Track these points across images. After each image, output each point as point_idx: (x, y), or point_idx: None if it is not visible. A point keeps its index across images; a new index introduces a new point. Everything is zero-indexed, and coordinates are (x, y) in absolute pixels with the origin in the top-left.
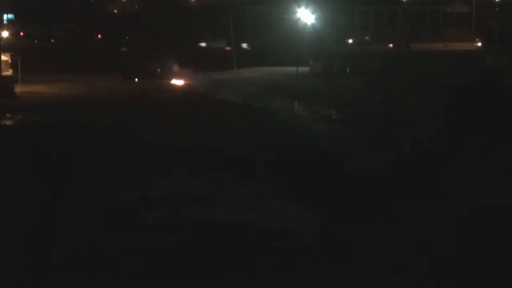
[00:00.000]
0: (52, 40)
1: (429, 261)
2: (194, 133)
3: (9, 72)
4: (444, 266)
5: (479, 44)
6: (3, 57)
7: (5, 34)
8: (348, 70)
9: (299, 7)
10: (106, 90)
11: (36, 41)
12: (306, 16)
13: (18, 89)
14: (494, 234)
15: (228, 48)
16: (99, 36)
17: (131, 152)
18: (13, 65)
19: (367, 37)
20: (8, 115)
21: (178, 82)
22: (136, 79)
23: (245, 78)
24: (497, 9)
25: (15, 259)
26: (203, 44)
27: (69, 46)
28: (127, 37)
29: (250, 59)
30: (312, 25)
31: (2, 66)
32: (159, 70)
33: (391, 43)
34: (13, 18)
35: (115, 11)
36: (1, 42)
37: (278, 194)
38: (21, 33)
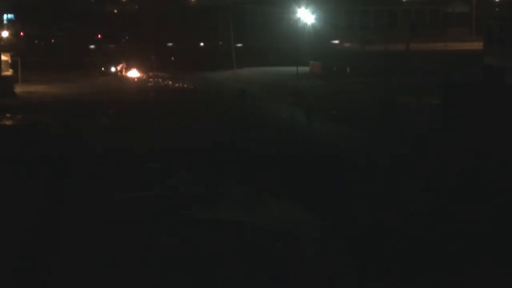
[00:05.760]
0: (52, 40)
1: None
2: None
3: (9, 72)
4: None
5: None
6: (3, 57)
7: (5, 34)
8: (348, 70)
9: (299, 7)
10: (105, 89)
11: (36, 41)
12: (306, 16)
13: (18, 89)
14: None
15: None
16: (99, 36)
17: (131, 152)
18: (13, 65)
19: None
20: (8, 115)
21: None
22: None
23: (244, 78)
24: (497, 9)
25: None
26: None
27: (69, 46)
28: (127, 37)
29: (250, 59)
30: (312, 25)
31: (2, 66)
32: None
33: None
34: (13, 18)
35: (115, 11)
36: (1, 42)
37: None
38: (21, 33)
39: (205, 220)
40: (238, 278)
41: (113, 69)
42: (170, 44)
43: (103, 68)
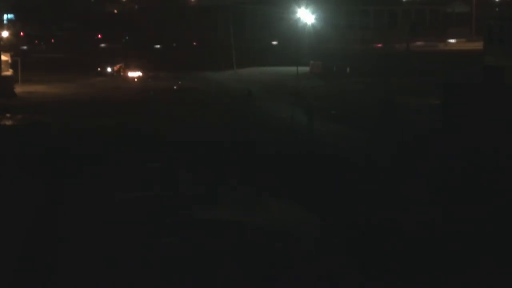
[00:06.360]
0: (52, 40)
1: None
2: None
3: (9, 72)
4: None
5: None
6: (3, 57)
7: (5, 34)
8: (348, 70)
9: (299, 7)
10: (105, 89)
11: (36, 41)
12: (306, 16)
13: (18, 89)
14: None
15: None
16: (99, 36)
17: (131, 151)
18: (13, 65)
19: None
20: (8, 115)
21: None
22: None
23: (244, 78)
24: (497, 9)
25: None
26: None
27: (68, 46)
28: (127, 37)
29: (250, 59)
30: (312, 25)
31: (2, 66)
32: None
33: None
34: (13, 18)
35: (115, 11)
36: (1, 42)
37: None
38: (21, 33)
39: (205, 220)
40: (238, 278)
41: (109, 69)
42: (170, 44)
43: (99, 69)
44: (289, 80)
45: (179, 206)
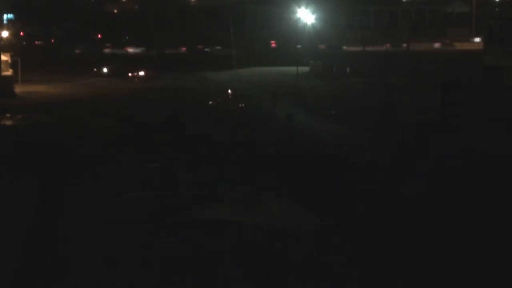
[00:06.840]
0: (52, 40)
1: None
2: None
3: (9, 72)
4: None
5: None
6: (3, 57)
7: (5, 34)
8: (348, 70)
9: (299, 7)
10: (105, 90)
11: (36, 42)
12: (306, 16)
13: (18, 89)
14: None
15: None
16: (99, 36)
17: (131, 151)
18: (13, 65)
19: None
20: (8, 115)
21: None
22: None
23: (244, 78)
24: (497, 9)
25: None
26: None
27: (68, 46)
28: (127, 37)
29: (250, 59)
30: (312, 25)
31: (2, 66)
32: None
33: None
34: (13, 18)
35: (115, 11)
36: (1, 42)
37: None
38: (21, 33)
39: (205, 220)
40: (238, 278)
41: (105, 69)
42: (170, 44)
43: (95, 69)
44: (289, 80)
45: (179, 206)
